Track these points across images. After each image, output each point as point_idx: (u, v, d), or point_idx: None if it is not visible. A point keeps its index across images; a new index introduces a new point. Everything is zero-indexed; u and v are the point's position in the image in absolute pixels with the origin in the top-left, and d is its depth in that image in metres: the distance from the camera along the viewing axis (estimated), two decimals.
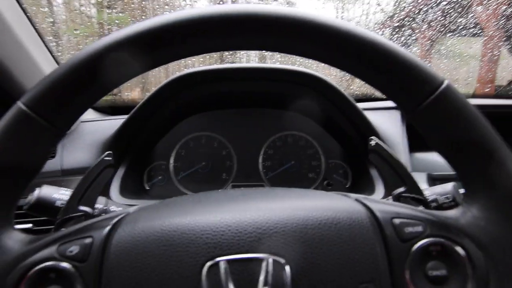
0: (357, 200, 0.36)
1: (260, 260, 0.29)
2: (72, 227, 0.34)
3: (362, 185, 0.84)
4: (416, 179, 0.80)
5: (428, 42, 1.39)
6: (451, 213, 0.34)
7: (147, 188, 0.91)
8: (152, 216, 0.33)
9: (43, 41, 0.82)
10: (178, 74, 0.77)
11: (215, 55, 1.29)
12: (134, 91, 1.40)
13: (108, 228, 0.32)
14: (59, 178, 0.76)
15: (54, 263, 0.31)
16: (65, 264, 0.30)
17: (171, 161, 0.93)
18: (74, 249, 0.31)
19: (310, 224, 0.31)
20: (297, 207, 0.33)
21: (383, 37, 0.34)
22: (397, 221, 0.32)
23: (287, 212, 0.32)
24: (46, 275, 0.30)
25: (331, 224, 0.31)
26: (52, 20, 1.04)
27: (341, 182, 0.92)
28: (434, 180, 0.81)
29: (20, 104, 0.32)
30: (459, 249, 0.32)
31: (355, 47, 0.32)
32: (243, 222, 0.31)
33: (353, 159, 0.91)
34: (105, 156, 0.44)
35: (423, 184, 0.77)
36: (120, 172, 0.82)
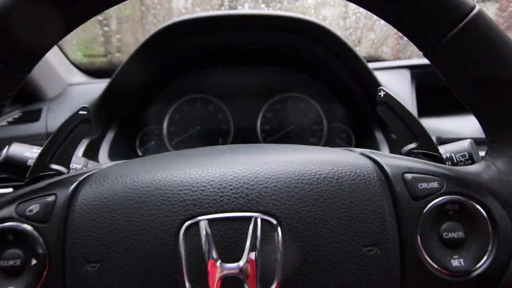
0: (362, 154, 0.31)
1: (247, 220, 0.25)
2: (35, 185, 0.30)
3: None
4: None
5: None
6: (472, 168, 0.30)
7: (140, 154, 0.87)
8: (125, 171, 0.29)
9: None
10: (167, 22, 0.70)
11: (215, 1, 1.18)
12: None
13: (74, 184, 0.28)
14: (43, 142, 0.71)
15: (12, 223, 0.27)
16: (24, 226, 0.26)
17: (165, 125, 0.88)
18: (34, 207, 0.27)
19: (307, 178, 0.27)
20: (292, 160, 0.29)
21: None
22: (409, 176, 0.28)
23: (280, 165, 0.28)
24: (4, 237, 0.26)
25: (332, 178, 0.27)
26: None
27: (344, 147, 0.88)
28: (444, 143, 0.76)
29: None
30: (480, 208, 0.27)
31: None
32: (227, 176, 0.26)
33: (357, 122, 0.86)
34: (80, 110, 0.39)
35: None
36: (110, 136, 0.77)
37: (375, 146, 0.75)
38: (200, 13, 0.70)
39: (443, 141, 0.76)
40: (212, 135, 0.88)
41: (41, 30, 0.28)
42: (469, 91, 0.29)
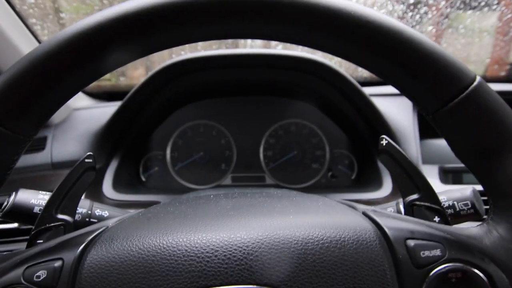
0: (365, 214, 0.32)
1: None
2: (43, 244, 0.31)
3: (368, 178, 0.80)
4: (427, 173, 0.75)
5: (444, 19, 1.29)
6: (474, 231, 0.30)
7: (143, 179, 0.87)
8: (130, 233, 0.29)
9: (25, 24, 0.76)
10: (174, 59, 0.71)
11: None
12: (135, 73, 1.32)
13: (80, 248, 0.29)
14: (49, 172, 0.72)
15: None
16: None
17: (168, 151, 0.89)
18: (41, 274, 0.27)
19: (310, 248, 0.27)
20: (295, 224, 0.29)
21: (401, 23, 0.28)
22: (411, 243, 0.28)
23: (283, 232, 0.28)
24: None
25: (334, 247, 0.27)
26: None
27: (346, 174, 0.88)
28: (446, 172, 0.76)
29: None
30: (482, 275, 0.27)
31: (365, 34, 0.27)
32: (232, 246, 0.27)
33: (359, 149, 0.86)
34: (85, 158, 0.40)
35: (434, 180, 0.72)
36: (114, 164, 0.78)
37: (377, 175, 0.76)
38: (204, 51, 0.71)
39: (446, 169, 0.77)
40: (215, 161, 0.89)
41: (47, 96, 0.29)
42: (470, 158, 0.29)
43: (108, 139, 0.77)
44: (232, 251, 0.26)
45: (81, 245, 0.29)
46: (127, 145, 0.81)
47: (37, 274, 0.27)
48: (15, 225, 0.59)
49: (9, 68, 0.28)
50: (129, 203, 0.71)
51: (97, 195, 0.71)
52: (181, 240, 0.28)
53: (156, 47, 0.29)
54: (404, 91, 0.30)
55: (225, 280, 0.25)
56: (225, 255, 0.26)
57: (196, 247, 0.27)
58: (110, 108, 0.82)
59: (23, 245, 0.60)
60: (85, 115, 0.88)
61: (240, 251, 0.26)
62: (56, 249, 0.29)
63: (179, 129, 0.89)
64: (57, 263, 0.28)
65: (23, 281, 0.27)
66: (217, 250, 0.26)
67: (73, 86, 0.30)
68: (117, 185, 0.75)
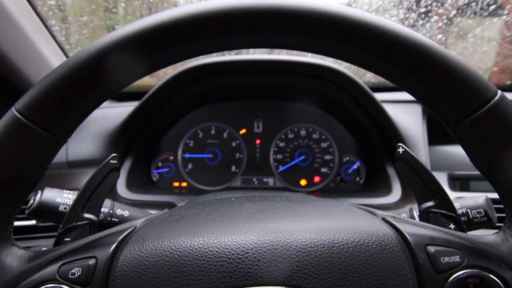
0: (384, 220, 0.33)
1: None
2: (75, 243, 0.32)
3: (377, 183, 0.81)
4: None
5: (455, 28, 1.29)
6: (491, 239, 0.31)
7: (155, 180, 0.89)
8: (161, 234, 0.31)
9: (49, 31, 0.78)
10: (188, 65, 0.73)
11: None
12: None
13: (113, 247, 0.30)
14: (64, 170, 0.74)
15: (55, 286, 0.28)
16: None
17: (179, 152, 0.90)
18: (76, 271, 0.29)
19: (336, 252, 0.28)
20: (320, 228, 0.30)
21: (424, 37, 0.29)
22: (431, 249, 0.29)
23: (309, 235, 0.29)
24: None
25: (359, 251, 0.28)
26: (56, 3, 0.98)
27: (355, 179, 0.89)
28: (455, 179, 0.77)
29: (14, 111, 0.28)
30: (499, 281, 0.28)
31: (393, 48, 0.28)
32: (261, 249, 0.28)
33: (369, 154, 0.88)
34: (110, 159, 0.41)
35: (444, 186, 0.73)
36: (127, 164, 0.79)
37: (387, 181, 0.77)
38: (220, 57, 0.73)
39: (454, 177, 0.78)
40: (226, 163, 0.90)
41: (82, 102, 0.30)
42: (487, 168, 0.30)
43: (122, 139, 0.78)
44: (262, 253, 0.28)
45: (113, 244, 0.30)
46: (141, 145, 0.82)
47: (72, 271, 0.29)
48: (33, 222, 0.61)
49: (47, 75, 0.29)
50: (142, 202, 0.72)
51: (111, 194, 0.72)
52: (212, 241, 0.29)
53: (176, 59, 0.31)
54: (427, 103, 0.31)
55: (255, 281, 0.26)
56: (255, 257, 0.27)
57: (227, 249, 0.28)
58: (122, 109, 0.83)
59: (41, 242, 0.61)
60: (99, 114, 0.89)
61: (269, 253, 0.28)
62: (88, 247, 0.31)
63: (191, 131, 0.91)
64: (91, 261, 0.29)
65: (58, 278, 0.29)
66: (247, 252, 0.28)
67: (104, 93, 0.31)
68: (130, 184, 0.76)
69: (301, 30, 0.28)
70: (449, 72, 0.28)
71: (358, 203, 0.70)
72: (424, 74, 0.29)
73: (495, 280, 0.28)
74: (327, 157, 0.90)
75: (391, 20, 0.29)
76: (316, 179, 0.89)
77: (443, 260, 0.29)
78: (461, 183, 0.79)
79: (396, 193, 0.72)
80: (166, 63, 0.31)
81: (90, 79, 0.29)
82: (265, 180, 0.90)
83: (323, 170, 0.90)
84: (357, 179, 0.89)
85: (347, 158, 0.90)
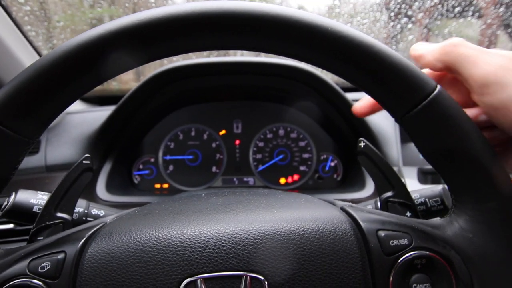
0: (342, 209, 0.35)
1: (238, 278, 0.28)
2: (44, 240, 0.33)
3: (352, 179, 0.83)
4: (407, 174, 0.79)
5: (424, 29, 1.35)
6: (438, 222, 0.33)
7: (136, 182, 0.90)
8: (128, 228, 0.32)
9: (22, 32, 0.78)
10: (164, 67, 0.74)
11: None
12: (125, 77, 1.34)
13: (81, 242, 0.31)
14: (43, 174, 0.74)
15: (25, 280, 0.29)
16: (36, 282, 0.29)
17: (160, 154, 0.91)
18: (46, 265, 0.30)
19: (292, 238, 0.30)
20: (279, 218, 0.32)
21: (370, 37, 0.31)
22: (382, 233, 0.31)
23: (268, 224, 0.31)
24: None
25: (314, 238, 0.30)
26: (30, 8, 0.98)
27: (332, 176, 0.92)
28: (425, 174, 0.80)
29: None
30: (444, 262, 0.31)
31: (340, 47, 0.30)
32: (221, 238, 0.30)
33: (344, 152, 0.90)
34: (83, 160, 0.42)
35: (413, 180, 0.76)
36: (107, 167, 0.80)
37: (361, 177, 0.79)
38: (196, 59, 0.75)
39: (424, 171, 0.81)
40: (206, 164, 0.92)
41: (51, 101, 0.31)
42: (434, 158, 0.32)
43: (102, 142, 0.79)
44: (222, 242, 0.29)
45: (82, 239, 0.31)
46: (120, 148, 0.83)
47: (41, 265, 0.30)
48: (11, 226, 0.61)
49: (16, 76, 0.30)
50: (122, 204, 0.73)
51: (90, 197, 0.73)
52: (175, 232, 0.30)
53: (155, 57, 0.32)
54: (376, 98, 0.34)
55: (215, 268, 0.28)
56: (215, 245, 0.29)
57: (189, 239, 0.30)
58: (102, 112, 0.84)
59: (19, 245, 0.61)
60: (78, 118, 0.90)
61: (229, 241, 0.29)
62: (58, 243, 0.32)
63: (171, 132, 0.92)
64: (60, 256, 0.30)
65: (28, 273, 0.30)
66: (208, 241, 0.29)
67: (75, 92, 0.32)
68: (110, 187, 0.77)
69: (265, 33, 0.30)
70: (392, 69, 0.30)
71: (334, 198, 0.72)
72: (370, 71, 0.31)
73: (440, 260, 0.31)
74: (305, 155, 0.92)
75: (347, 25, 0.31)
76: (295, 177, 0.92)
77: (392, 243, 0.31)
78: (432, 177, 0.82)
79: (369, 188, 0.75)
80: (149, 58, 0.32)
81: (56, 82, 0.30)
82: (245, 179, 0.92)
83: (302, 168, 0.92)
84: (335, 176, 0.92)
85: (325, 156, 0.92)
